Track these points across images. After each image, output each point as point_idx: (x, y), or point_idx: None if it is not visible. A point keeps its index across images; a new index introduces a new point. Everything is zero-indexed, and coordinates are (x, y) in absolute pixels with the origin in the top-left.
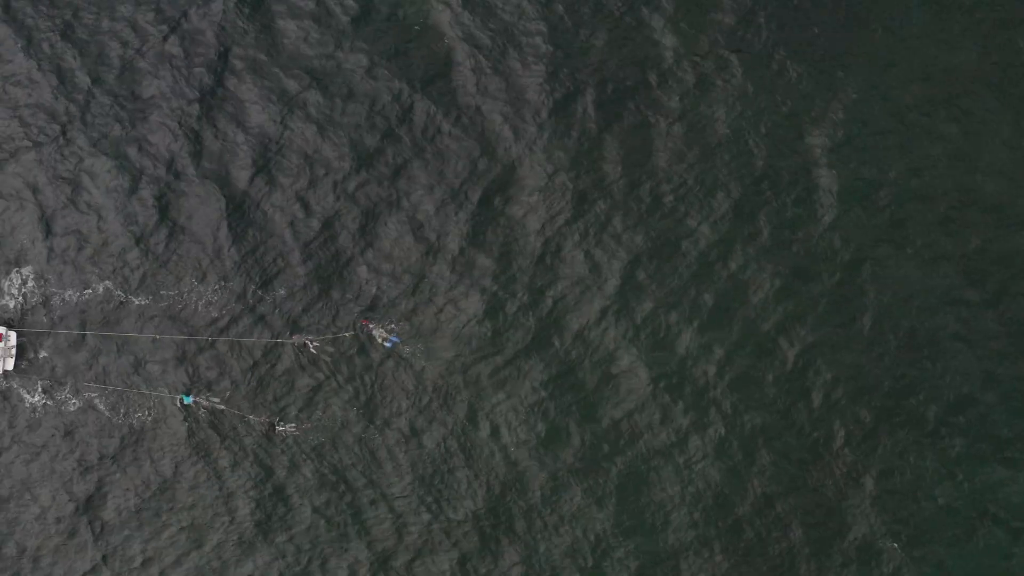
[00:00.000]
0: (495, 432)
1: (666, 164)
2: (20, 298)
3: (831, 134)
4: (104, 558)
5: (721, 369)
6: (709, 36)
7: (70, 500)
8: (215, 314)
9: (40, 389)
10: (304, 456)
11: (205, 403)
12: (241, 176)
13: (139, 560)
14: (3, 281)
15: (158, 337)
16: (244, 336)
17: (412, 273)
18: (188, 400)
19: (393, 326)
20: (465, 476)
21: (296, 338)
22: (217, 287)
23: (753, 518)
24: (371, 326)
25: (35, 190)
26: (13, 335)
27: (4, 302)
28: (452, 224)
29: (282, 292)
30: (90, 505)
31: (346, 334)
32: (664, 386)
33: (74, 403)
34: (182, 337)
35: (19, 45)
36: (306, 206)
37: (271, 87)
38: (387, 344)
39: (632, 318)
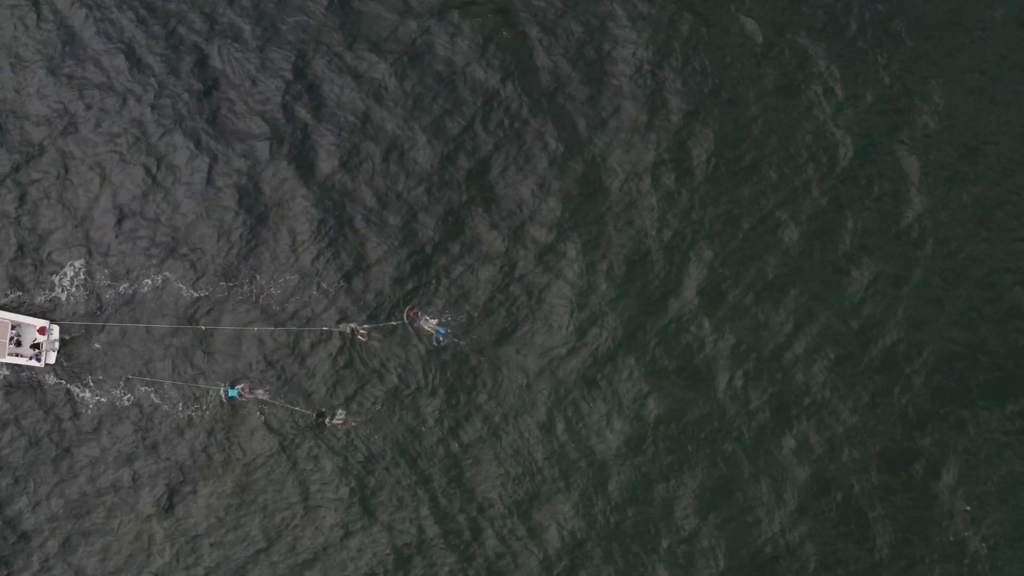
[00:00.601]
0: (552, 426)
1: (752, 160)
2: (72, 290)
3: (919, 125)
4: (176, 555)
5: (809, 361)
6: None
7: (132, 497)
8: (271, 305)
9: (91, 384)
10: (351, 448)
11: (250, 395)
12: (322, 165)
13: (205, 557)
14: (55, 275)
15: (205, 328)
16: (294, 326)
17: (471, 264)
18: (233, 393)
19: (441, 319)
20: (501, 470)
21: (344, 326)
22: (277, 278)
23: (843, 516)
24: (418, 315)
25: (99, 179)
26: (56, 328)
27: (55, 295)
28: (528, 214)
29: (335, 281)
30: (158, 503)
31: (394, 323)
32: (748, 380)
33: (128, 397)
34: (229, 328)
35: (93, 27)
36: (375, 195)
37: (353, 72)
38: (436, 334)
39: (715, 314)
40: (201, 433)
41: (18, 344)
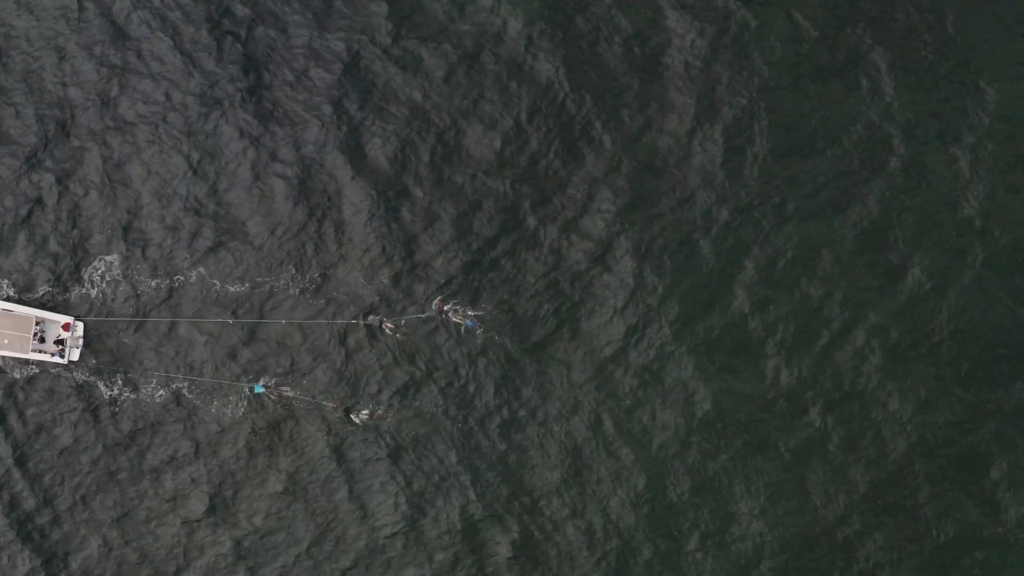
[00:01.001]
0: (597, 420)
1: (804, 154)
2: (103, 286)
3: (972, 121)
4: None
5: (861, 355)
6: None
7: (170, 495)
8: (303, 298)
9: (123, 382)
10: (379, 443)
11: (276, 392)
12: (367, 157)
13: (233, 553)
14: (86, 269)
15: (233, 322)
16: (323, 319)
17: (514, 257)
18: (259, 389)
19: (471, 311)
20: (544, 465)
21: (372, 318)
22: (309, 272)
23: (896, 509)
24: (448, 307)
25: (139, 171)
26: (80, 325)
27: (85, 291)
28: (575, 207)
29: (365, 273)
30: (193, 501)
31: (422, 315)
32: (800, 374)
33: (161, 395)
34: (257, 321)
35: (136, 15)
36: (416, 186)
37: (402, 62)
38: (465, 325)
39: (767, 308)
40: (231, 431)
41: (42, 340)
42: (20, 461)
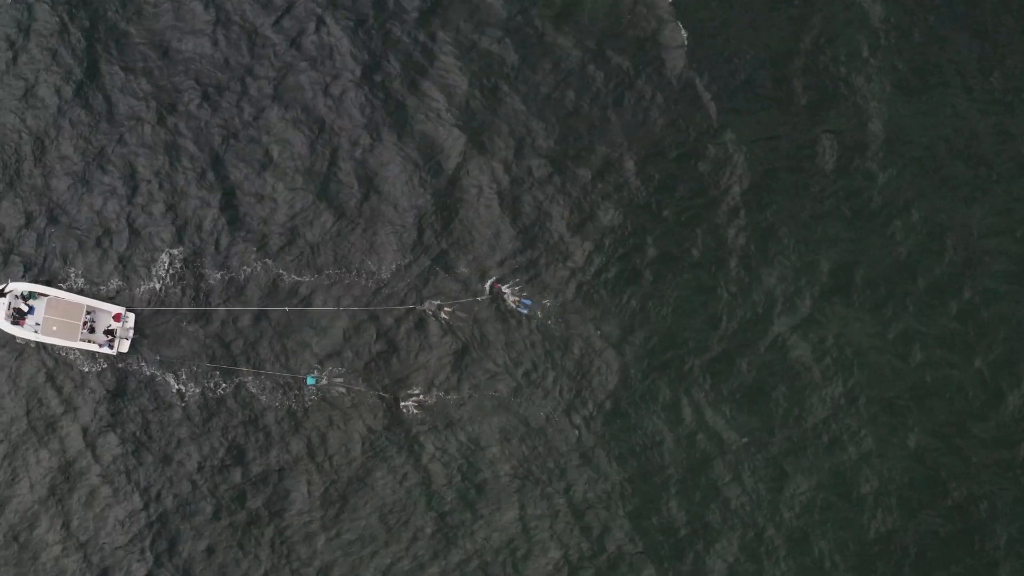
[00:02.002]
0: (651, 414)
1: (882, 155)
2: (168, 279)
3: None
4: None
5: (928, 363)
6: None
7: (236, 491)
8: (362, 287)
9: (184, 376)
10: (434, 432)
11: (330, 382)
12: (451, 151)
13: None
14: (154, 262)
15: (287, 310)
16: (380, 306)
17: (561, 240)
18: (312, 381)
19: (526, 294)
20: (606, 457)
21: (428, 304)
22: (369, 260)
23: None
24: (504, 289)
25: (204, 163)
26: (132, 316)
27: (152, 285)
28: (645, 195)
29: (420, 260)
30: (256, 497)
31: (479, 298)
32: (867, 380)
33: (223, 387)
34: (310, 309)
35: (214, 15)
36: (471, 171)
37: (471, 49)
38: (520, 309)
39: (838, 311)
40: (290, 422)
41: (91, 330)
42: (98, 459)
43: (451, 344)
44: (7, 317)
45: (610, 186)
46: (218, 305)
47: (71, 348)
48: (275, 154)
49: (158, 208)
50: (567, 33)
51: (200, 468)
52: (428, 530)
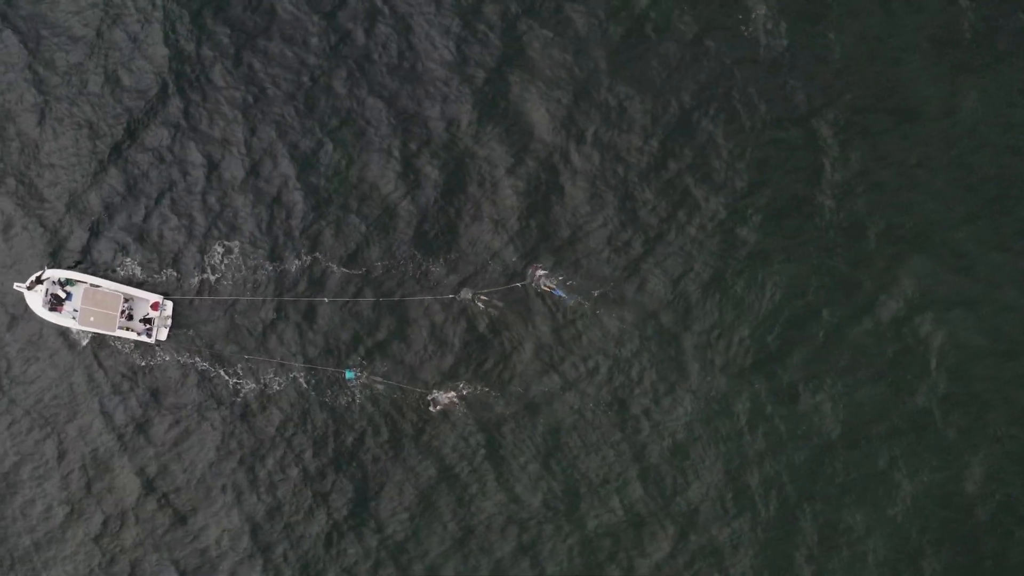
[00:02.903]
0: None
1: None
2: (220, 271)
3: None
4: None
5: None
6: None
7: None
8: (400, 276)
9: (239, 371)
10: (472, 429)
11: (367, 377)
12: (479, 131)
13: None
14: (207, 253)
15: (328, 300)
16: (417, 295)
17: (598, 224)
18: (350, 375)
19: (563, 278)
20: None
21: (464, 292)
22: (407, 250)
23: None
24: (541, 273)
25: (260, 155)
26: (170, 304)
27: (205, 276)
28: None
29: (458, 247)
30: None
31: (517, 284)
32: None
33: (278, 383)
34: (348, 299)
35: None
36: (508, 156)
37: (559, 35)
38: (556, 292)
39: (923, 313)
40: (332, 417)
41: (129, 318)
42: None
43: (486, 337)
44: (44, 304)
45: (675, 174)
46: (265, 296)
47: (109, 336)
48: (329, 147)
49: (213, 197)
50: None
51: (253, 464)
52: (455, 533)
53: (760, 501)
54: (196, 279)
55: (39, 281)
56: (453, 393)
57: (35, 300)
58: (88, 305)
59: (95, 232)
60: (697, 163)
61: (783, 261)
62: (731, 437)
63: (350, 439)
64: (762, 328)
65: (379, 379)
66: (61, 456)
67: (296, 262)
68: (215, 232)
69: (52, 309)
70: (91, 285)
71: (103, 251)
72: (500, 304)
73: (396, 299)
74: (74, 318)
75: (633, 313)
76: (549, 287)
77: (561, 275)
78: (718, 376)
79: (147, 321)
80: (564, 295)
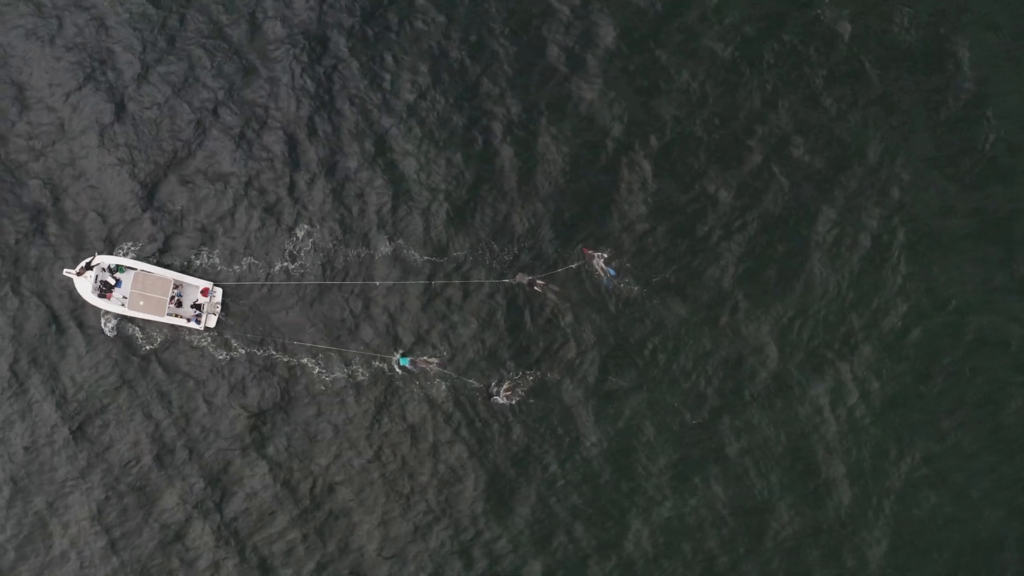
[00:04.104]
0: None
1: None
2: (301, 257)
3: None
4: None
5: None
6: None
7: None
8: (456, 262)
9: (319, 361)
10: (528, 418)
11: (423, 365)
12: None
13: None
14: (288, 240)
15: (378, 284)
16: (477, 280)
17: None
18: (405, 362)
19: (614, 260)
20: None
21: (520, 277)
22: (468, 235)
23: None
24: (594, 255)
25: (339, 146)
26: (219, 291)
27: (285, 264)
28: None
29: (514, 233)
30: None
31: (572, 266)
32: None
33: (362, 374)
34: (398, 283)
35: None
36: (563, 140)
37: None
38: (609, 272)
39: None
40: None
41: (178, 304)
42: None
43: (542, 324)
44: (94, 290)
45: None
46: (327, 280)
47: (158, 322)
48: (415, 135)
49: (296, 184)
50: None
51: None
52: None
53: (841, 488)
54: (277, 267)
55: (89, 267)
56: (510, 383)
57: (84, 286)
58: (138, 290)
59: (172, 219)
60: (769, 154)
61: (850, 247)
62: (808, 423)
63: (409, 430)
64: (837, 314)
65: (434, 365)
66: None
67: (363, 250)
68: (298, 219)
69: (101, 296)
70: (141, 271)
71: (177, 236)
72: (557, 289)
73: (448, 283)
74: (123, 305)
75: (695, 300)
76: (604, 269)
77: (618, 259)
78: (788, 363)
79: (197, 307)
80: (615, 274)
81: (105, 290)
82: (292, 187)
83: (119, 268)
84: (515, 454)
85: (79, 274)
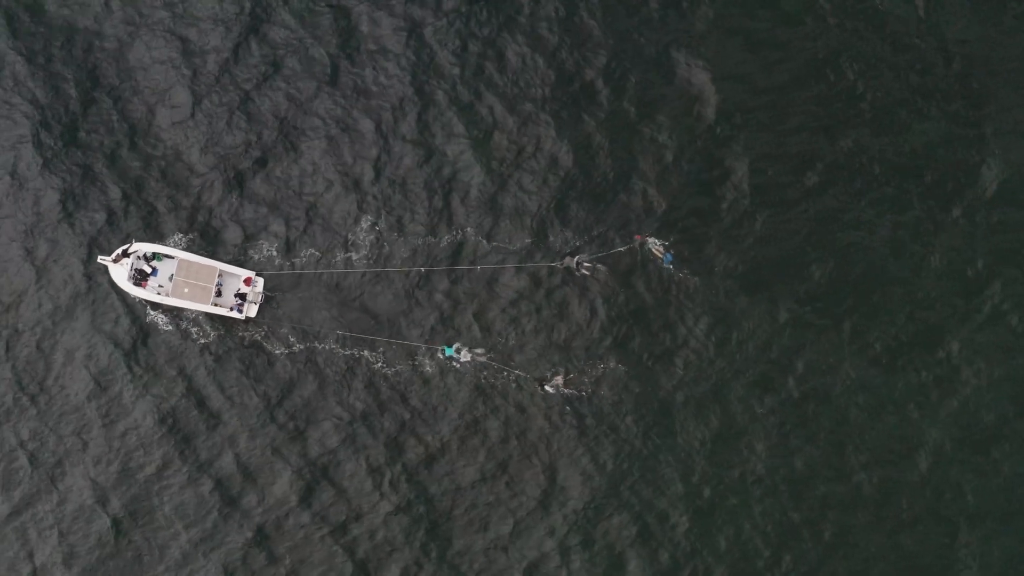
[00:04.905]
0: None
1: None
2: (366, 246)
3: None
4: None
5: None
6: None
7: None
8: (503, 247)
9: (380, 354)
10: (574, 410)
11: (468, 355)
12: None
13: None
14: (355, 227)
15: (423, 270)
16: (526, 263)
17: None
18: (450, 352)
19: (669, 244)
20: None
21: (567, 260)
22: (508, 219)
23: None
24: (648, 239)
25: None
26: (261, 281)
27: (349, 255)
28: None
29: (561, 216)
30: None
31: (620, 249)
32: None
33: (429, 366)
34: (445, 268)
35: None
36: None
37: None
38: (664, 259)
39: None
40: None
41: (219, 294)
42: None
43: (590, 310)
44: (129, 278)
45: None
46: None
47: (201, 311)
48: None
49: (363, 175)
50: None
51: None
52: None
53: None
54: (340, 257)
55: (125, 254)
56: (561, 375)
57: (119, 274)
58: (183, 278)
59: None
60: (845, 148)
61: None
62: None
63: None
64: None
65: (481, 356)
66: None
67: (423, 239)
68: (363, 208)
69: (136, 284)
70: (184, 260)
71: (233, 226)
72: (603, 268)
73: (493, 267)
74: (159, 293)
75: (762, 290)
76: (658, 252)
77: (666, 240)
78: (864, 358)
79: (240, 296)
80: (671, 259)
81: (140, 278)
82: (359, 178)
83: (156, 256)
84: (561, 442)
85: (115, 261)
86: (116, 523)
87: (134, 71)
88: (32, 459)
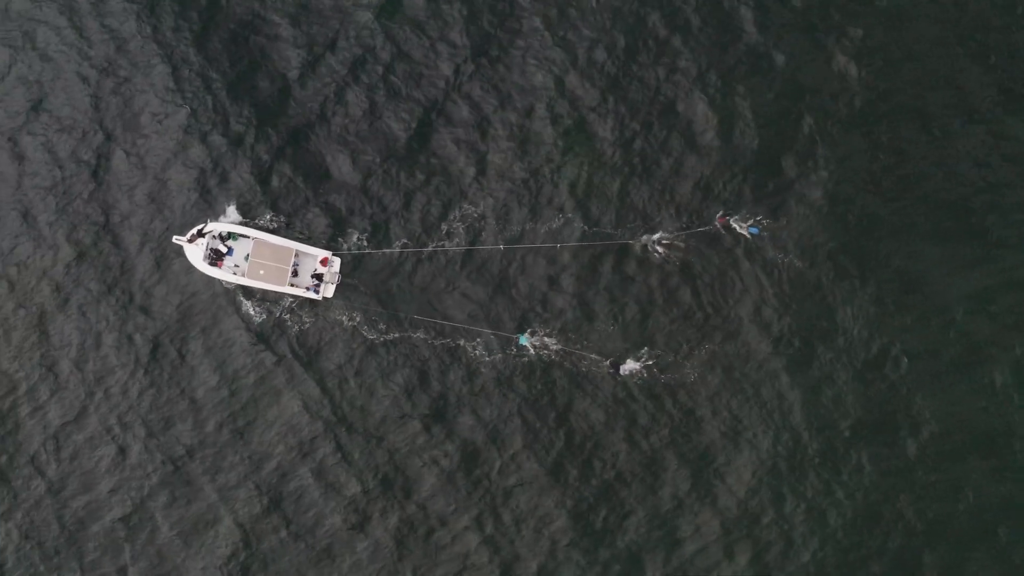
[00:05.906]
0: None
1: None
2: (462, 232)
3: None
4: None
5: None
6: None
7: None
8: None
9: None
10: (655, 400)
11: (541, 343)
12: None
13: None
14: (451, 213)
15: (503, 247)
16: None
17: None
18: (523, 340)
19: (757, 219)
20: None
21: (645, 238)
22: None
23: None
24: (730, 220)
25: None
26: (337, 261)
27: (440, 244)
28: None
29: (641, 192)
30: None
31: (701, 228)
32: None
33: (528, 354)
34: (528, 247)
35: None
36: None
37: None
38: (750, 233)
39: None
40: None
41: (295, 274)
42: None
43: (667, 295)
44: (205, 258)
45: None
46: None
47: (277, 292)
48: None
49: (454, 163)
50: None
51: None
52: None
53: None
54: (431, 246)
55: (200, 235)
56: (637, 361)
57: (195, 254)
58: (259, 258)
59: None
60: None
61: None
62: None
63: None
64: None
65: (555, 343)
66: None
67: (550, 223)
68: (443, 198)
69: (212, 264)
70: (260, 240)
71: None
72: (682, 246)
73: (571, 244)
74: (235, 273)
75: (860, 275)
76: (743, 230)
77: (752, 214)
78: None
79: (316, 277)
80: (757, 232)
81: (216, 258)
82: (447, 165)
83: (231, 236)
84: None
85: (190, 241)
86: None
87: None
88: None
